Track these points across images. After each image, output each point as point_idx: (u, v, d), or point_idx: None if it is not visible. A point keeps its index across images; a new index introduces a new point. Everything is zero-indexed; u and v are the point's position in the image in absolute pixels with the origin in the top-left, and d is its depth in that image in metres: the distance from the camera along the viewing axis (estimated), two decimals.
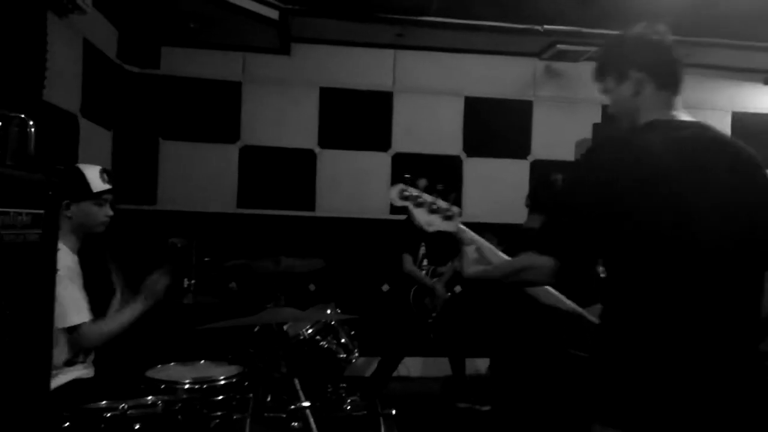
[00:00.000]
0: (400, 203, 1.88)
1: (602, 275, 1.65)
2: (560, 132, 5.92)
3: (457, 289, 5.02)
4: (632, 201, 1.42)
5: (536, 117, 5.96)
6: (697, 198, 1.43)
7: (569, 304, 1.89)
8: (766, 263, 1.52)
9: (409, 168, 5.77)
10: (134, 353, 2.66)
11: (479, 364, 5.43)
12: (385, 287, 5.22)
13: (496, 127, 5.86)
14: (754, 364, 1.46)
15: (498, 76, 5.88)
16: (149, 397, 2.15)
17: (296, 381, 2.36)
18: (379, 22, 5.08)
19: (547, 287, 1.86)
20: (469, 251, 1.81)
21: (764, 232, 1.49)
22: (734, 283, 1.45)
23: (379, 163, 5.72)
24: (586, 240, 1.50)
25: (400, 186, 1.88)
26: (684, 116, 1.59)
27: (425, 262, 4.81)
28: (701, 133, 1.54)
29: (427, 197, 1.88)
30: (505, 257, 1.80)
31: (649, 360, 1.41)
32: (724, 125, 6.18)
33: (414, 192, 1.88)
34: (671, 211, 1.42)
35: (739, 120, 6.16)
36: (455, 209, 1.88)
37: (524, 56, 5.82)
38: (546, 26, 5.15)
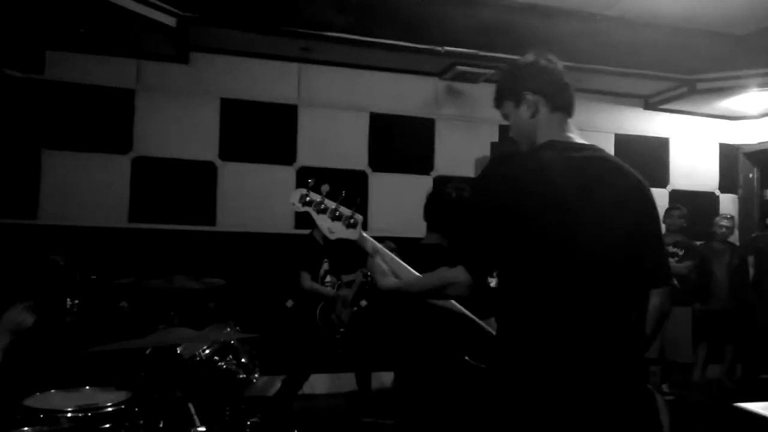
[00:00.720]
0: (301, 209, 1.83)
1: (492, 286, 1.69)
2: (461, 149, 6.13)
3: (363, 303, 5.02)
4: (525, 215, 1.49)
5: (438, 134, 6.12)
6: (586, 215, 1.49)
7: (470, 316, 1.92)
8: (648, 281, 1.62)
9: (315, 182, 5.75)
10: (9, 379, 2.41)
11: (384, 378, 5.43)
12: (290, 303, 5.11)
13: (400, 143, 5.96)
14: (637, 374, 1.53)
15: (402, 93, 6.00)
16: (26, 429, 1.96)
17: (191, 405, 2.23)
18: (284, 36, 5.03)
19: (452, 301, 1.88)
20: (379, 262, 1.79)
21: (646, 251, 1.58)
22: (617, 297, 1.51)
23: (284, 176, 5.63)
24: (493, 253, 1.55)
25: (302, 191, 1.83)
26: (578, 138, 1.68)
27: (328, 279, 4.76)
28: (593, 155, 1.62)
29: (330, 203, 1.84)
30: (412, 270, 1.80)
31: (534, 371, 1.46)
32: (608, 146, 6.65)
33: (316, 197, 1.84)
34: (560, 226, 1.48)
35: (622, 142, 6.65)
36: (358, 217, 1.85)
37: (427, 75, 5.99)
38: (446, 48, 5.33)
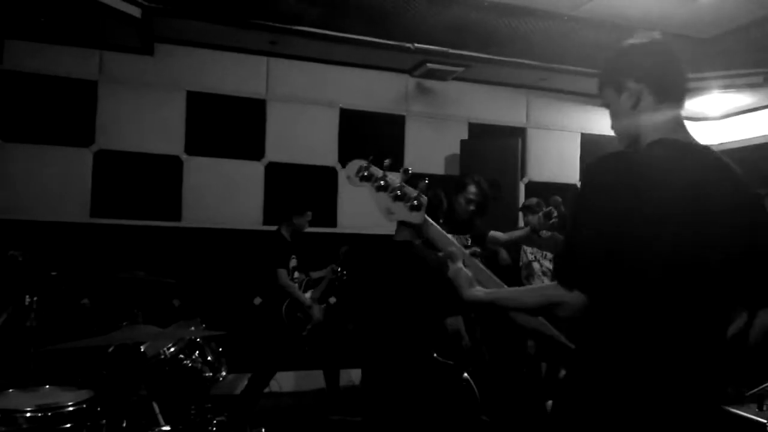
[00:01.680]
0: (358, 184, 1.61)
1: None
2: (431, 146, 6.15)
3: (332, 300, 4.99)
4: (643, 227, 1.32)
5: (408, 131, 6.13)
6: (701, 227, 1.34)
7: (550, 327, 1.64)
8: (759, 298, 1.50)
9: (283, 178, 5.70)
10: None
11: (353, 375, 5.42)
12: (257, 300, 5.06)
13: (370, 139, 5.94)
14: (718, 394, 1.44)
15: (373, 89, 5.98)
16: None
17: (155, 404, 2.18)
18: (252, 28, 4.95)
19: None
20: (462, 268, 1.53)
21: (760, 267, 1.43)
22: (721, 314, 1.41)
23: (252, 172, 5.56)
24: (610, 273, 1.34)
25: (361, 162, 1.61)
26: (690, 136, 1.48)
27: (296, 274, 4.73)
28: (712, 160, 1.43)
29: (394, 181, 1.60)
30: (498, 280, 1.57)
31: (625, 390, 1.33)
32: (574, 145, 6.77)
33: (378, 172, 1.61)
34: (677, 238, 1.32)
35: (587, 141, 6.77)
36: (423, 198, 1.61)
37: (397, 72, 5.99)
38: (416, 44, 5.33)
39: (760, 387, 2.18)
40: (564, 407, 1.43)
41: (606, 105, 1.56)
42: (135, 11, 4.41)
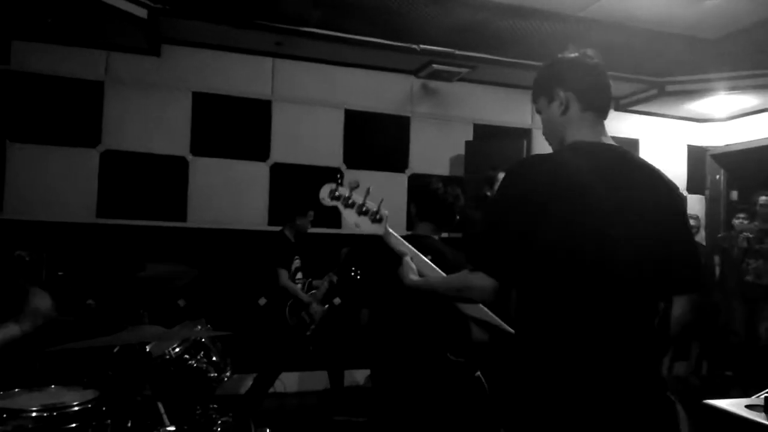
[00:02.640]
0: (329, 203, 1.88)
1: None
2: (436, 147, 6.14)
3: (337, 301, 4.99)
4: (546, 217, 1.42)
5: (414, 132, 6.12)
6: (610, 217, 1.43)
7: (493, 317, 1.84)
8: (675, 286, 1.56)
9: (288, 178, 5.70)
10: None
11: (357, 376, 5.42)
12: (262, 301, 5.06)
13: (375, 140, 5.95)
14: (657, 382, 1.48)
15: (378, 90, 5.98)
16: None
17: (160, 404, 2.18)
18: (258, 29, 4.97)
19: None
20: (408, 261, 1.85)
21: (675, 255, 1.52)
22: (642, 302, 1.47)
23: (257, 172, 5.57)
24: (517, 257, 1.47)
25: (331, 185, 1.88)
26: (608, 141, 1.60)
27: (299, 275, 4.73)
28: (620, 156, 1.55)
29: (358, 198, 1.89)
30: (438, 270, 1.85)
31: (553, 375, 1.41)
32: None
33: (345, 192, 1.89)
34: (582, 227, 1.43)
35: None
36: (384, 212, 1.89)
37: (403, 73, 5.98)
38: (422, 46, 5.34)
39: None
40: (502, 389, 1.60)
41: (539, 112, 1.71)
42: (141, 12, 4.43)
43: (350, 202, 1.88)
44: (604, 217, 1.43)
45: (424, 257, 1.87)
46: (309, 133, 5.76)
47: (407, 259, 1.86)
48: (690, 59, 5.54)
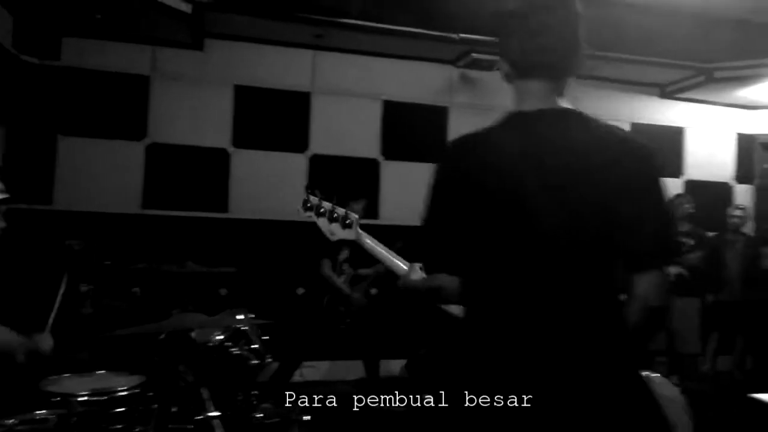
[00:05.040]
0: (305, 215, 1.87)
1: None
2: None
3: (373, 291, 5.02)
4: (472, 199, 1.39)
5: (452, 123, 6.08)
6: (535, 188, 1.34)
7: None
8: (627, 262, 1.39)
9: (326, 170, 5.75)
10: (24, 363, 2.45)
11: (393, 366, 5.45)
12: (300, 290, 5.15)
13: (413, 131, 5.93)
14: (613, 361, 1.35)
15: (416, 81, 5.96)
16: (41, 412, 1.98)
17: (203, 390, 2.25)
18: (298, 22, 5.01)
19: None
20: (416, 266, 1.75)
21: (621, 228, 1.35)
22: (578, 273, 1.35)
23: (296, 164, 5.64)
24: (451, 247, 1.46)
25: (304, 197, 1.87)
26: (560, 106, 1.43)
27: (345, 267, 4.75)
28: (563, 122, 1.41)
29: (327, 205, 1.85)
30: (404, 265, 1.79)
31: (489, 351, 1.38)
32: None
33: (315, 200, 1.86)
34: (508, 204, 1.36)
35: (637, 130, 6.55)
36: (353, 216, 1.84)
37: (441, 63, 5.94)
38: (462, 35, 5.28)
39: None
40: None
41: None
42: (186, 7, 4.52)
43: (321, 210, 1.85)
44: (526, 186, 1.33)
45: (396, 258, 1.80)
46: (347, 124, 5.78)
47: (416, 266, 1.72)
48: (738, 44, 5.33)
